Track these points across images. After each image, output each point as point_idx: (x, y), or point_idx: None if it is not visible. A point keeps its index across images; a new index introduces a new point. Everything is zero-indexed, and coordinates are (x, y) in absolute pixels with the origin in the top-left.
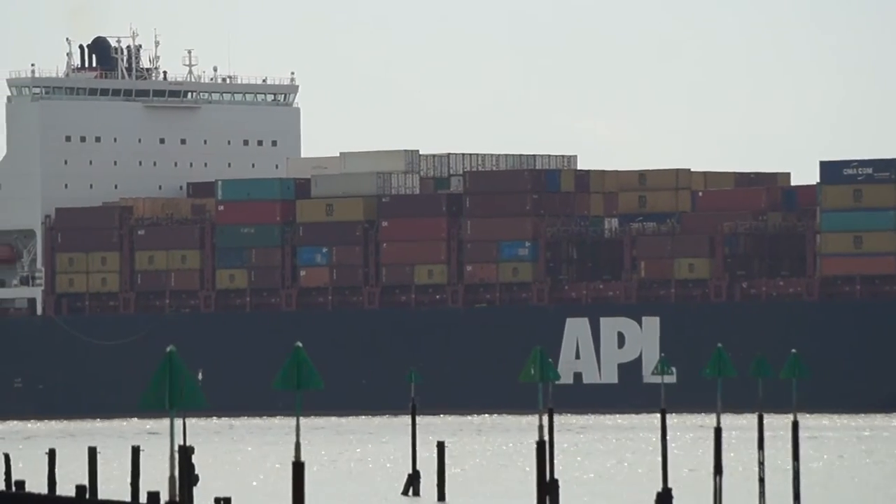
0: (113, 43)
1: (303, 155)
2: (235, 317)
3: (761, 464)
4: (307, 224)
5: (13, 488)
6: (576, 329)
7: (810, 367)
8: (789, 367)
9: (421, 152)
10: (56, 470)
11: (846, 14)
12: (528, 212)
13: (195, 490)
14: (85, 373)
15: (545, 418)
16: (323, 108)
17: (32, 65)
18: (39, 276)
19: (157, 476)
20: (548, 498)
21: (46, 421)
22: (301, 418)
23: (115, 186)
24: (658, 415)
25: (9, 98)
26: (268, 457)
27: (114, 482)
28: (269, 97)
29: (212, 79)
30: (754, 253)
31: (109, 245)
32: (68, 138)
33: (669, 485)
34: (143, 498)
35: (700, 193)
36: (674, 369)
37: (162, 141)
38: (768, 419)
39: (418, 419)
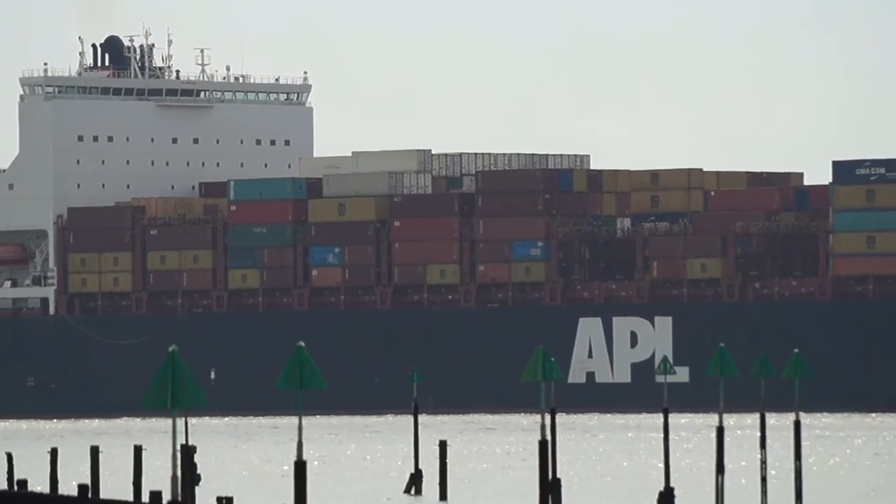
0: (126, 42)
1: (315, 154)
2: (247, 316)
3: (763, 463)
4: (319, 224)
5: (15, 487)
6: (588, 329)
7: (823, 367)
8: (791, 366)
9: (433, 152)
10: (58, 469)
11: (860, 13)
12: (541, 211)
13: (197, 489)
14: (97, 372)
15: (548, 418)
16: (335, 108)
17: (45, 64)
18: (52, 275)
19: (162, 475)
20: (550, 497)
21: (59, 420)
22: (313, 417)
23: (128, 186)
24: (670, 414)
25: (21, 97)
26: (274, 456)
27: (119, 481)
28: (282, 97)
29: (224, 78)
30: (767, 253)
31: (122, 245)
32: (81, 138)
33: (672, 484)
34: (145, 497)
35: (712, 193)
36: (686, 369)
37: (174, 140)
38: (785, 418)
39: (431, 419)
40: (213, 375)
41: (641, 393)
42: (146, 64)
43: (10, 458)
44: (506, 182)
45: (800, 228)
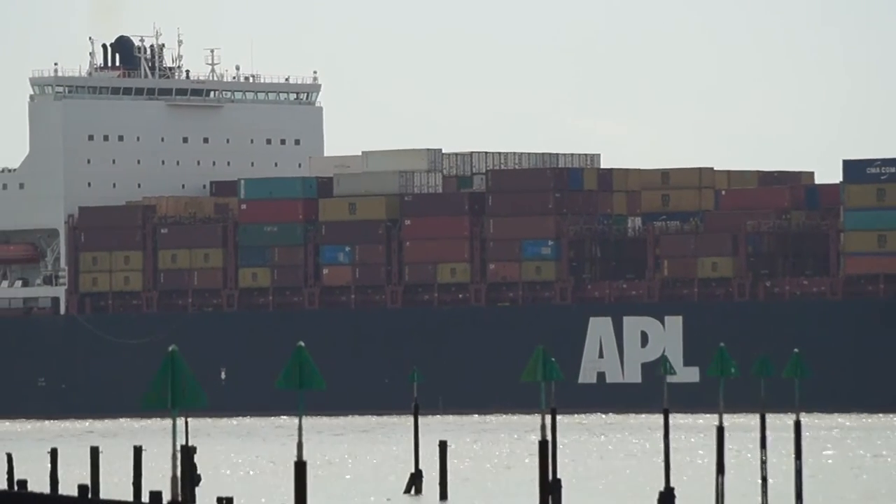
0: (136, 42)
1: (325, 154)
2: (258, 316)
3: (763, 463)
4: (330, 223)
5: (15, 488)
6: (599, 328)
7: (834, 367)
8: (792, 366)
9: (443, 151)
10: (58, 469)
11: (872, 12)
12: (551, 210)
13: (197, 490)
14: (108, 372)
15: (548, 418)
16: (345, 107)
17: (55, 64)
18: (63, 275)
19: (165, 475)
20: (550, 497)
21: (71, 421)
22: (323, 418)
23: (138, 185)
24: (679, 414)
25: (32, 97)
26: (279, 456)
27: (123, 482)
28: (292, 96)
29: (234, 78)
30: (778, 252)
31: (132, 244)
32: (91, 137)
33: (673, 484)
34: (145, 497)
35: (723, 192)
36: (696, 369)
37: (185, 140)
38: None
39: (441, 419)
40: (223, 375)
41: (652, 393)
42: (156, 64)
43: (9, 458)
44: (516, 181)
45: (811, 227)
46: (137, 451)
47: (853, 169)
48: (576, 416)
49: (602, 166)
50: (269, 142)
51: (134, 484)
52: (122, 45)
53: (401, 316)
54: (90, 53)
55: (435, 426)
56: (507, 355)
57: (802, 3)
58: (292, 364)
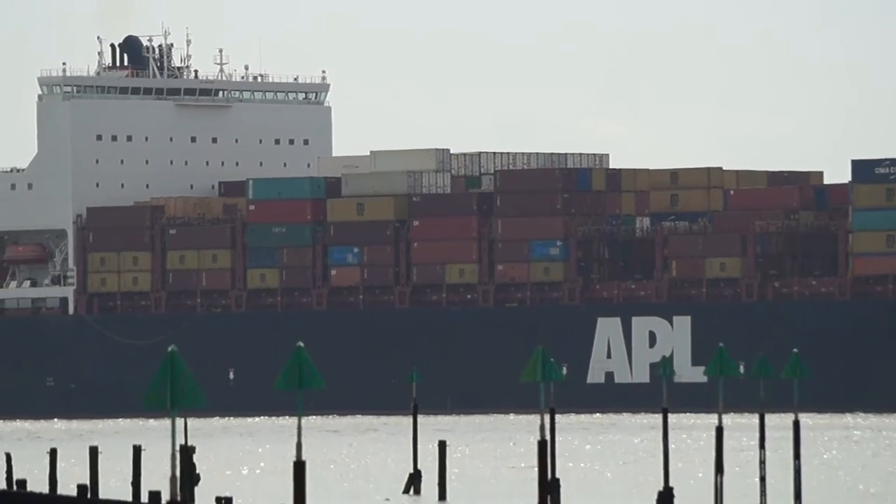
0: (144, 42)
1: (334, 154)
2: (266, 316)
3: (762, 462)
4: (338, 223)
5: (14, 487)
6: (607, 328)
7: (842, 367)
8: (790, 366)
9: (452, 151)
10: (58, 469)
11: (880, 11)
12: (560, 211)
13: (196, 490)
14: (116, 372)
15: (546, 418)
16: (354, 107)
17: (64, 64)
18: (71, 275)
19: (165, 475)
20: (549, 497)
21: (79, 421)
22: (329, 418)
23: (147, 186)
24: (688, 414)
25: (40, 97)
26: (282, 456)
27: (125, 481)
28: (300, 96)
29: (243, 77)
30: (786, 252)
31: (141, 244)
32: (99, 137)
33: (672, 484)
34: (144, 497)
35: (732, 192)
36: (703, 369)
37: (193, 140)
38: (809, 418)
39: (448, 419)
40: (231, 376)
41: (660, 393)
42: (165, 63)
43: (8, 458)
44: (524, 181)
45: (819, 228)
46: (136, 451)
47: (862, 169)
48: (583, 416)
49: (610, 166)
50: (277, 142)
51: (133, 484)
52: (131, 45)
53: (409, 317)
54: (98, 53)
55: (442, 426)
56: (515, 356)
57: (814, 3)
58: (292, 364)
